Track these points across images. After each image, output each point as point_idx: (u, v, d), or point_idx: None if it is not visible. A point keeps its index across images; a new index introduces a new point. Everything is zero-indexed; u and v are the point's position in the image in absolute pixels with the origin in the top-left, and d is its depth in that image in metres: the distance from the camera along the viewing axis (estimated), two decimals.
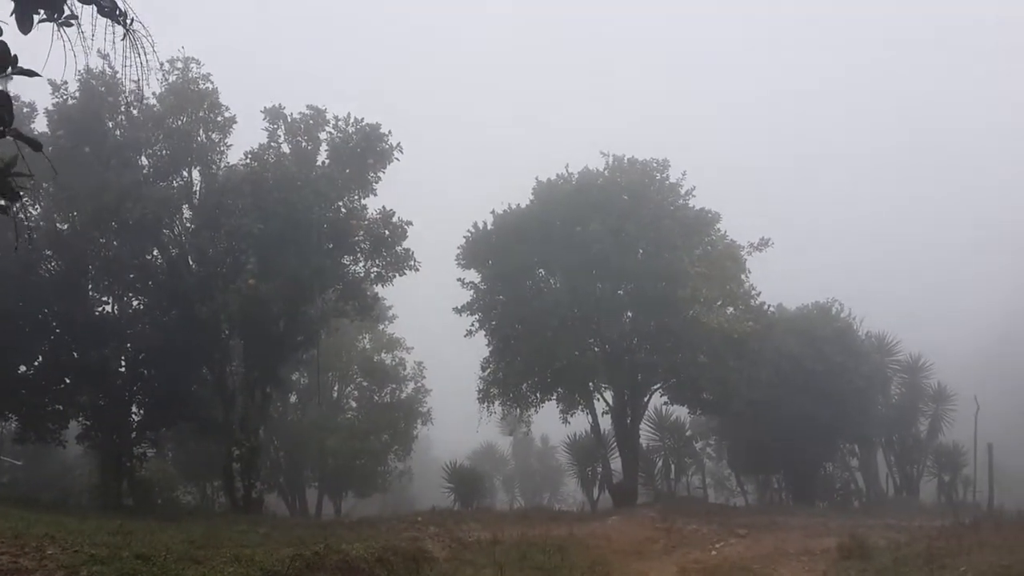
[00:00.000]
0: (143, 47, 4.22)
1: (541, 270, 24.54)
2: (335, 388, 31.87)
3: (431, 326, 37.91)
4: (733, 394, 22.89)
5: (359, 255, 22.37)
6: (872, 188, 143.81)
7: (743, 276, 23.88)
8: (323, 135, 21.84)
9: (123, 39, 4.12)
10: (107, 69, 20.03)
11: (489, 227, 24.33)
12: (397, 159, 22.27)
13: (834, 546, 13.53)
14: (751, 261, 24.10)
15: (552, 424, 28.03)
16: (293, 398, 30.28)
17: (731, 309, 23.26)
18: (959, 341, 66.58)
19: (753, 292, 23.94)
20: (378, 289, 23.95)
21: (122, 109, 20.52)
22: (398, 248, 22.25)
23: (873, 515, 20.87)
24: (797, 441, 25.63)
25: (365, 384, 32.58)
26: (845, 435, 27.43)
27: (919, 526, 16.34)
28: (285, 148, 21.75)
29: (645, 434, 27.40)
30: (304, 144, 21.70)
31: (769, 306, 24.53)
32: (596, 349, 24.17)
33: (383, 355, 33.12)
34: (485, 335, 24.65)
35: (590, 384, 24.55)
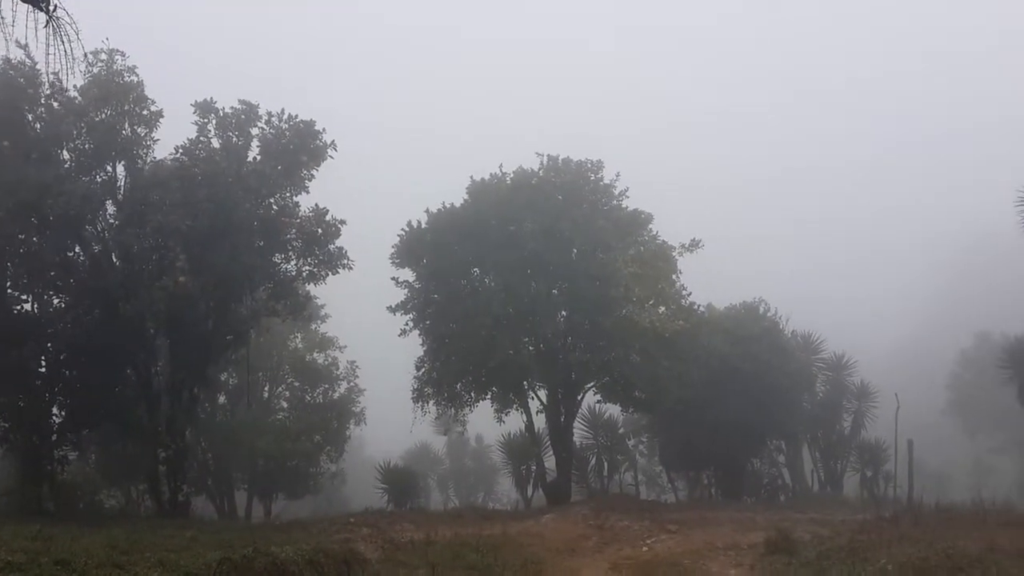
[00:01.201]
0: (67, 35, 4.07)
1: (476, 269, 24.51)
2: (265, 388, 31.29)
3: (365, 325, 37.62)
4: (664, 392, 23.24)
5: (291, 253, 21.99)
6: (803, 202, 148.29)
7: (674, 276, 24.26)
8: (255, 131, 21.42)
9: (46, 26, 3.96)
10: (27, 60, 19.32)
11: (423, 226, 24.21)
12: (331, 157, 22.00)
13: (761, 540, 13.84)
14: (682, 262, 24.52)
15: (487, 423, 28.03)
16: (222, 399, 29.61)
17: (663, 308, 23.61)
18: (880, 343, 69.08)
19: (684, 292, 24.34)
20: (310, 288, 23.62)
21: (42, 101, 19.83)
22: (331, 246, 21.96)
23: (799, 510, 21.39)
24: (726, 438, 26.14)
25: (297, 384, 32.06)
26: (772, 432, 28.09)
27: (842, 520, 16.82)
28: (215, 143, 21.27)
29: (579, 432, 27.61)
30: (235, 139, 21.25)
31: (699, 306, 24.98)
32: (531, 348, 24.26)
33: (315, 355, 32.62)
34: (419, 334, 24.52)
35: (524, 383, 24.63)
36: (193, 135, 21.11)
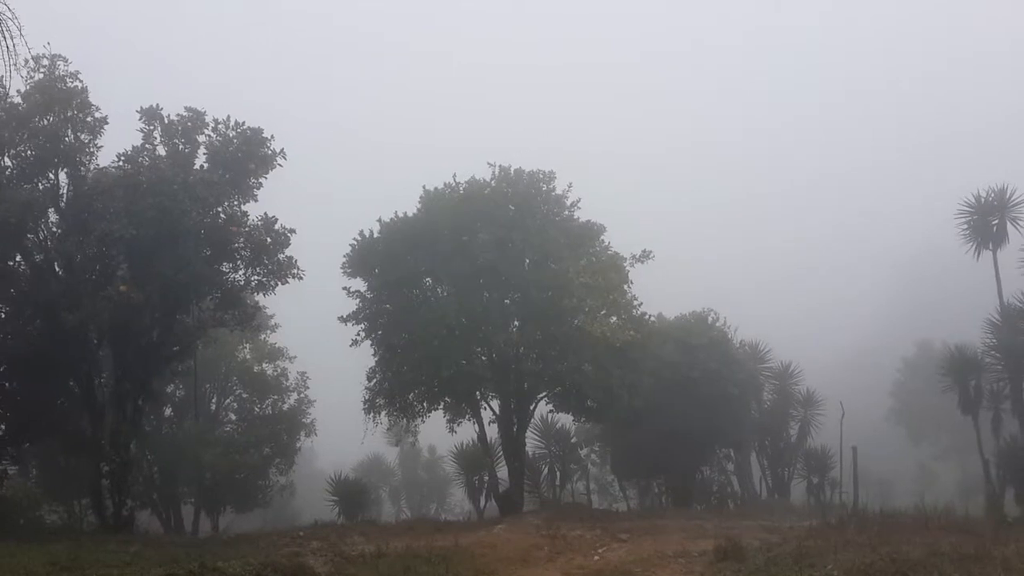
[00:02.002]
0: (9, 33, 3.97)
1: (428, 279, 24.44)
2: (213, 400, 30.82)
3: (316, 335, 37.28)
4: (616, 401, 23.37)
5: (239, 262, 21.66)
6: (754, 215, 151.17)
7: (626, 286, 24.45)
8: (202, 138, 21.13)
9: None
10: None
11: (376, 235, 24.07)
12: (280, 165, 21.78)
13: (711, 548, 13.96)
14: (633, 272, 24.72)
15: (439, 434, 27.95)
16: (168, 411, 29.14)
17: (614, 318, 23.75)
18: (826, 352, 70.58)
19: (635, 302, 24.55)
20: (259, 298, 23.36)
21: None
22: (280, 256, 21.70)
23: (748, 516, 21.67)
24: (676, 446, 26.38)
25: (245, 396, 31.65)
26: (721, 440, 28.42)
27: (790, 526, 17.05)
28: (161, 150, 20.93)
29: (531, 442, 27.67)
30: (182, 147, 20.93)
31: (650, 316, 25.22)
32: (483, 358, 24.22)
33: (265, 365, 32.24)
34: (371, 344, 24.32)
35: (477, 393, 24.59)
36: (138, 142, 20.77)
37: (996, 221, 23.04)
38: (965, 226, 23.68)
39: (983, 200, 23.30)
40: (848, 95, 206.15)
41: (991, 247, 23.07)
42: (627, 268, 24.54)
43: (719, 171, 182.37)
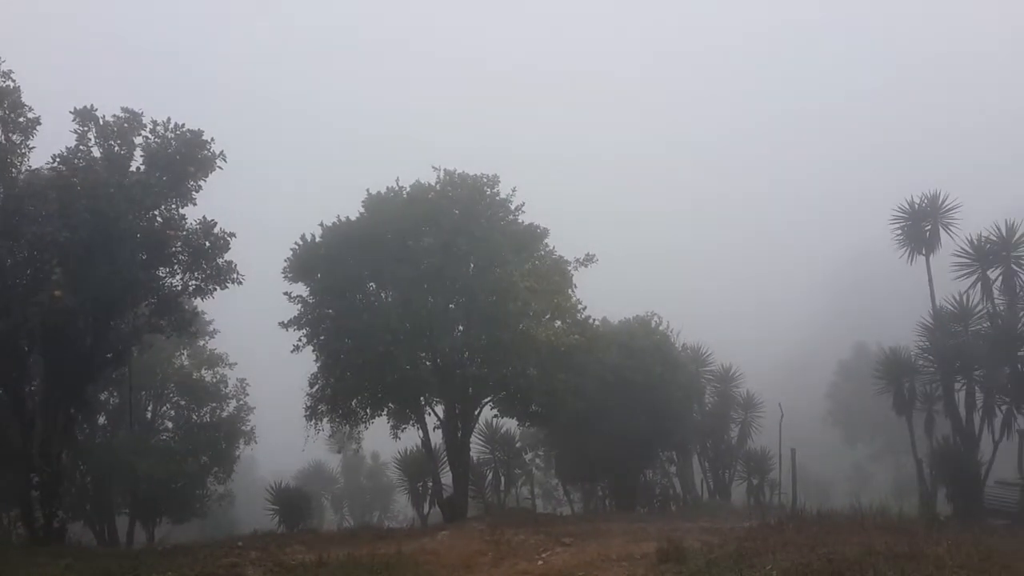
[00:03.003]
0: None
1: (372, 284, 24.22)
2: (149, 408, 30.00)
3: (256, 341, 36.72)
4: (561, 405, 23.48)
5: (176, 267, 21.15)
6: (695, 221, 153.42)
7: (570, 290, 24.57)
8: (139, 139, 20.57)
9: None
10: None
11: (318, 239, 23.76)
12: (220, 168, 21.31)
13: (653, 550, 14.05)
14: (578, 276, 24.85)
15: (383, 440, 27.68)
16: (102, 419, 28.26)
17: (559, 322, 23.85)
18: (766, 355, 71.98)
19: (580, 306, 24.67)
20: (197, 303, 22.89)
21: None
22: (220, 260, 21.26)
23: (689, 518, 21.92)
24: (620, 449, 26.61)
25: (183, 403, 30.87)
26: (664, 442, 28.73)
27: (731, 528, 17.28)
28: (96, 152, 20.33)
29: (476, 447, 27.62)
30: (118, 148, 20.36)
31: (594, 320, 25.38)
32: (428, 363, 24.07)
33: (203, 372, 31.55)
34: (313, 350, 23.96)
35: (422, 398, 24.42)
36: (72, 144, 20.15)
37: (929, 227, 23.69)
38: (899, 232, 24.31)
39: (917, 206, 23.95)
40: (789, 105, 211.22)
41: (924, 252, 23.72)
42: (571, 272, 24.68)
43: (664, 178, 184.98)
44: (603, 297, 27.31)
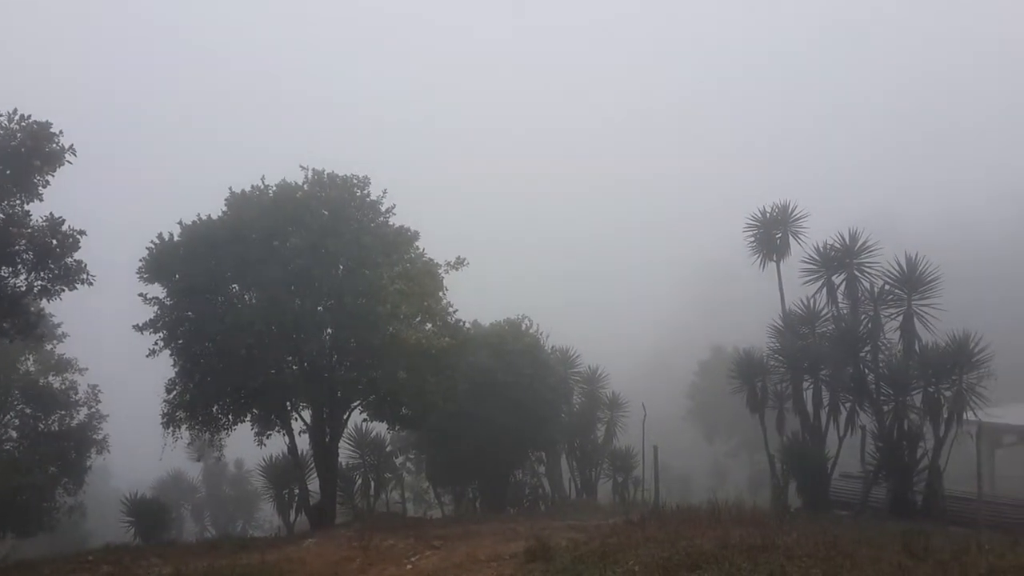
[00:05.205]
0: None
1: (235, 285, 23.40)
2: None
3: (109, 346, 34.91)
4: (431, 408, 23.42)
5: (20, 267, 19.83)
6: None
7: (441, 293, 24.53)
8: None
9: None
10: None
11: (176, 238, 22.76)
12: (70, 162, 20.13)
13: (521, 550, 14.23)
14: (448, 279, 24.82)
15: (247, 447, 26.82)
16: None
17: (429, 325, 23.78)
18: (630, 357, 74.12)
19: (450, 309, 24.69)
20: (44, 304, 21.55)
21: None
22: (69, 259, 20.07)
23: (558, 517, 22.29)
24: (490, 451, 26.79)
25: (28, 411, 29.13)
26: (533, 443, 29.10)
27: (596, 525, 17.70)
28: None
29: (345, 452, 27.18)
30: None
31: (465, 322, 25.45)
32: (294, 367, 23.52)
33: (51, 378, 29.82)
34: (171, 354, 22.92)
35: (288, 403, 23.81)
36: None
37: (780, 234, 24.98)
38: (752, 239, 25.51)
39: (768, 215, 25.21)
40: (652, 103, 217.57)
41: (775, 258, 24.99)
42: (442, 275, 24.63)
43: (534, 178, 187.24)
44: (476, 301, 27.47)
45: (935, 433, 21.09)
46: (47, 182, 19.96)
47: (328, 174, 23.52)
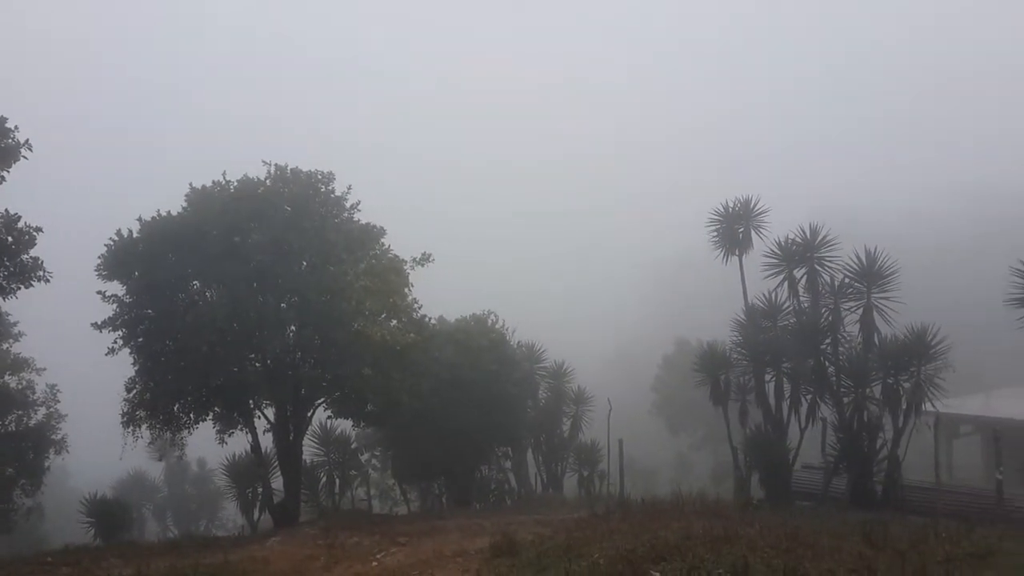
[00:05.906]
0: None
1: (196, 282, 23.06)
2: None
3: (68, 344, 34.29)
4: (396, 405, 23.32)
5: None
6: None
7: (406, 290, 24.43)
8: None
9: None
10: None
11: (135, 235, 22.37)
12: (25, 158, 19.76)
13: (487, 545, 14.26)
14: (414, 275, 24.72)
15: (210, 446, 26.52)
16: None
17: (395, 322, 23.69)
18: (595, 351, 74.54)
19: (416, 305, 24.60)
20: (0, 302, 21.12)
21: None
22: (25, 256, 19.70)
23: (524, 512, 22.38)
24: (456, 447, 26.79)
25: None
26: (499, 438, 29.16)
27: (562, 519, 17.79)
28: None
29: (309, 450, 27.00)
30: None
31: (430, 318, 25.38)
32: (257, 364, 23.24)
33: (7, 378, 29.22)
34: (131, 353, 22.55)
35: (250, 401, 23.56)
36: None
37: (742, 229, 25.19)
38: (715, 233, 25.71)
39: (731, 209, 25.42)
40: (616, 98, 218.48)
41: (738, 253, 25.21)
42: (408, 271, 24.53)
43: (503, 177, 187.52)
44: (442, 296, 27.39)
45: (894, 424, 21.42)
46: (2, 178, 19.60)
47: (291, 169, 23.26)
